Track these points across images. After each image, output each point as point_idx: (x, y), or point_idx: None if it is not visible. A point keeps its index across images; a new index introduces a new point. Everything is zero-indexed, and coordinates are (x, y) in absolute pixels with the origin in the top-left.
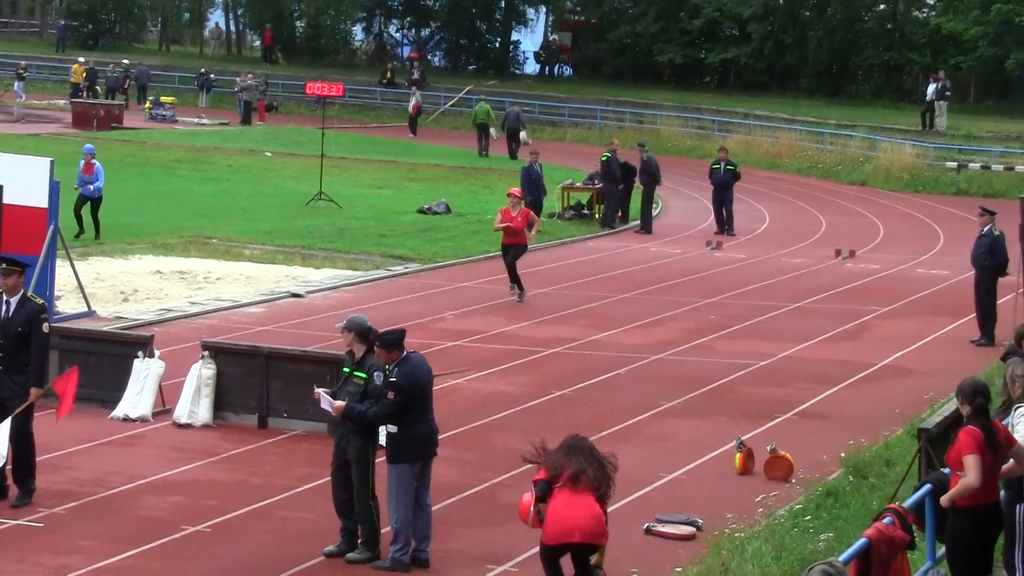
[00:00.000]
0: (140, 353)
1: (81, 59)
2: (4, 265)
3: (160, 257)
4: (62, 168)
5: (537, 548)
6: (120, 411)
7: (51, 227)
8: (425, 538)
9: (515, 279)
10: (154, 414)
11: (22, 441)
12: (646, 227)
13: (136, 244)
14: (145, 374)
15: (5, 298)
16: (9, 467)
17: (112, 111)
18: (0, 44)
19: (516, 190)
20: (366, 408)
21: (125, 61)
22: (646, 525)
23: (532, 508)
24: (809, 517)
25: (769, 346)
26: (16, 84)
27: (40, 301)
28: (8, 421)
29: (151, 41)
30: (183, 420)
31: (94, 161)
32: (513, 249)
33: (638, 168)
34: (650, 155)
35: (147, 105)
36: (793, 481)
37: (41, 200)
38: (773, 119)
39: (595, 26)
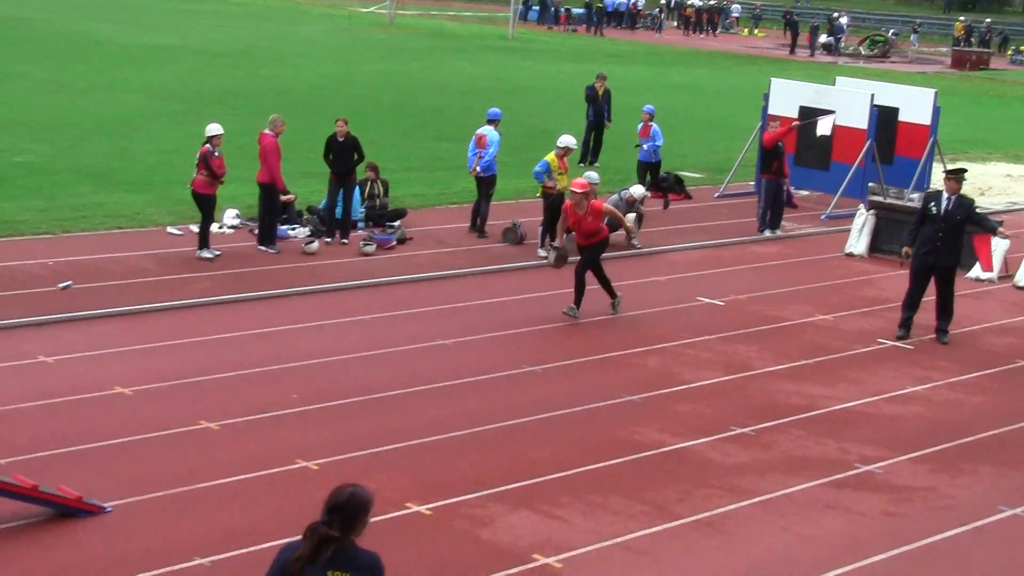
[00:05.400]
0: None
1: (961, 18)
2: (953, 173)
3: (1011, 164)
4: (943, 97)
5: None
6: (972, 273)
7: (930, 140)
8: None
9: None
10: (999, 277)
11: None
12: None
13: (992, 154)
14: (994, 248)
15: (945, 195)
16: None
17: (982, 56)
18: (901, 7)
19: (583, 181)
20: None
21: (987, 20)
22: None
23: None
24: None
25: None
26: (912, 36)
27: (970, 197)
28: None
29: (1016, 4)
30: (1021, 283)
31: (652, 124)
32: (587, 250)
33: None
34: None
35: (1009, 52)
36: None
37: (924, 118)
38: None
39: None
